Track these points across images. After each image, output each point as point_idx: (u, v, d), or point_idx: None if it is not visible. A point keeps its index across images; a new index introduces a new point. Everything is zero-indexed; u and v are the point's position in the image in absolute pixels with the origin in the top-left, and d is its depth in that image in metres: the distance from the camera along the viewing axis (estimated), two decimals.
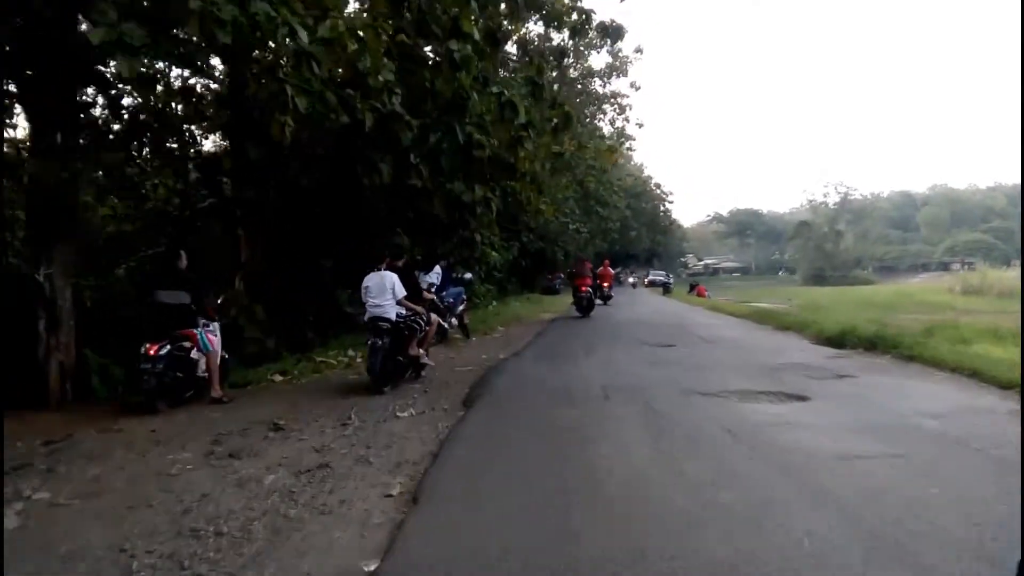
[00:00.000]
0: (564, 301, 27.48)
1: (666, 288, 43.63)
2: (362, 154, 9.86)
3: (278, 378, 8.16)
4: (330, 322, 12.48)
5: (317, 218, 13.23)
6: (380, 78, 7.78)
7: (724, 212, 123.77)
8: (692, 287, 41.41)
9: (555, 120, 12.04)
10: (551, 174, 16.07)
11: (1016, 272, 49.26)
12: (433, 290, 10.73)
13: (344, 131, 9.28)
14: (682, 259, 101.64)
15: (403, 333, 7.62)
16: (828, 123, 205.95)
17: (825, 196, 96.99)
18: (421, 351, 8.06)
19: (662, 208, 62.23)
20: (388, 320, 7.39)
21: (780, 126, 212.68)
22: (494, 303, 22.16)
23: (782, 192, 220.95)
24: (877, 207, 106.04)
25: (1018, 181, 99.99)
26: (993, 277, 43.79)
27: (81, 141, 7.91)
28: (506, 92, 10.42)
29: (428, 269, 11.38)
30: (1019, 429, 5.05)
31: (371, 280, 7.63)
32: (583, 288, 18.68)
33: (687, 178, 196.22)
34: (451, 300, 12.12)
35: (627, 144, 33.18)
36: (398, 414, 6.02)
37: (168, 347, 6.34)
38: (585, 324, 17.12)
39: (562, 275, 35.94)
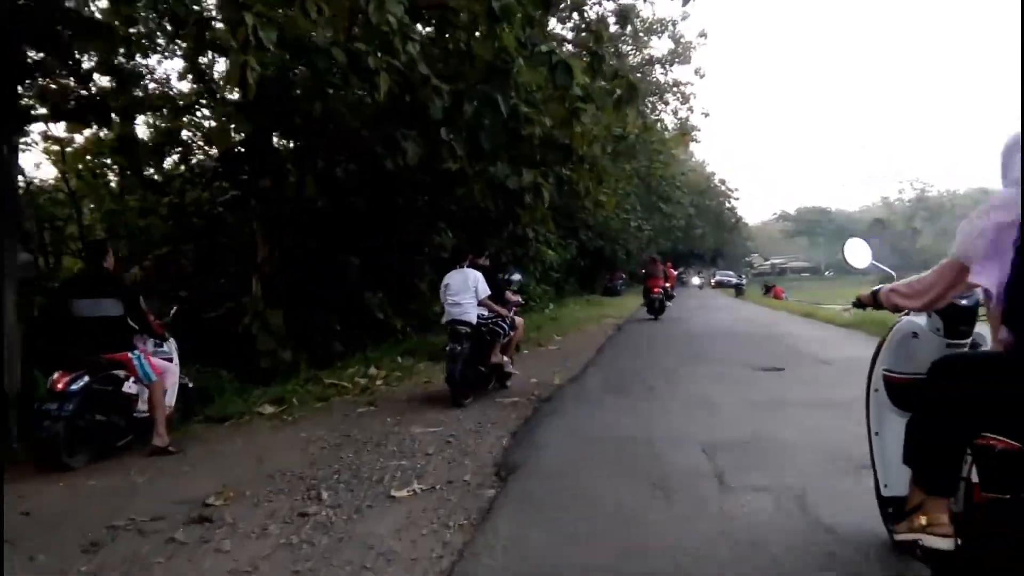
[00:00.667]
0: (627, 304, 25.32)
1: (738, 289, 40.77)
2: (380, 129, 8.03)
3: (268, 409, 6.38)
4: (359, 330, 10.75)
5: (343, 209, 11.52)
6: (391, 18, 5.87)
7: (791, 210, 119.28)
8: (767, 288, 37.65)
9: (617, 92, 9.95)
10: (612, 159, 13.91)
11: None
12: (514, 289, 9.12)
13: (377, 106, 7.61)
14: (747, 259, 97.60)
15: (485, 338, 6.95)
16: (897, 117, 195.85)
17: (900, 192, 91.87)
18: (505, 358, 7.32)
19: (727, 205, 59.11)
20: (469, 323, 6.73)
21: (846, 121, 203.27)
22: (551, 306, 20.20)
23: (850, 190, 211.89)
24: (955, 203, 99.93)
25: None
26: None
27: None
28: (557, 52, 8.43)
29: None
30: None
31: (452, 278, 7.01)
32: (655, 289, 18.32)
33: (751, 175, 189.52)
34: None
35: (694, 134, 30.64)
36: (393, 493, 3.88)
37: (85, 379, 4.57)
38: (657, 333, 15.12)
39: (624, 275, 33.65)
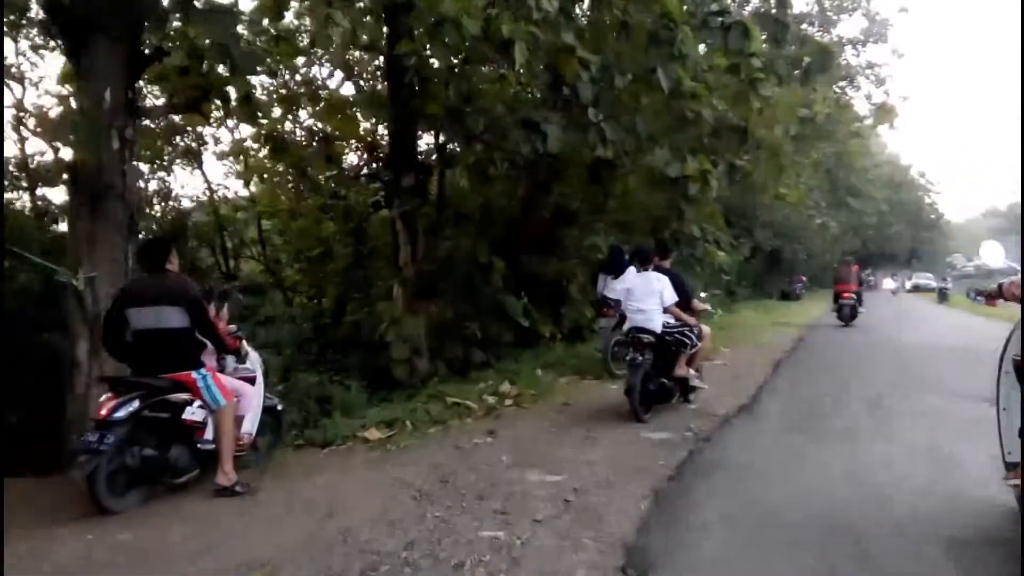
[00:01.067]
0: (807, 310, 22.70)
1: (942, 294, 35.71)
2: (518, 111, 7.05)
3: (374, 434, 5.53)
4: (503, 338, 9.95)
5: (490, 208, 10.76)
6: None
7: (1002, 206, 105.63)
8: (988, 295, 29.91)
9: (806, 60, 8.30)
10: (796, 145, 11.93)
11: None
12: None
13: None
14: (948, 259, 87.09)
15: (670, 348, 6.32)
16: None
17: None
18: (691, 371, 6.63)
19: (927, 200, 52.35)
20: (653, 332, 6.14)
21: None
22: (718, 312, 18.34)
23: None
24: None
25: None
26: None
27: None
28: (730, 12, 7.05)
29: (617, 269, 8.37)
30: None
31: (634, 281, 6.56)
32: (845, 295, 17.14)
33: (952, 168, 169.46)
34: None
35: (893, 116, 26.75)
36: None
37: (135, 404, 3.83)
38: (847, 346, 12.94)
39: (804, 278, 30.49)
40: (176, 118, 11.25)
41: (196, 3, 5.43)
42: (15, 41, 10.07)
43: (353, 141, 12.00)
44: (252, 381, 4.63)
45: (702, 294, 10.73)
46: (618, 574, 2.99)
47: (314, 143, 11.58)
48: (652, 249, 7.00)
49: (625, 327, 6.50)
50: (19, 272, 6.74)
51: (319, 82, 12.10)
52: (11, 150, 10.47)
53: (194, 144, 13.25)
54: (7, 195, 10.03)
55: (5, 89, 9.87)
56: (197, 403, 4.12)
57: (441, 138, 10.66)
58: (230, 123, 12.83)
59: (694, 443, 5.24)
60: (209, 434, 4.15)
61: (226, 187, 15.84)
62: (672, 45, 7.00)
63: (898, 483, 4.17)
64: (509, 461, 4.76)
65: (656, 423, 5.90)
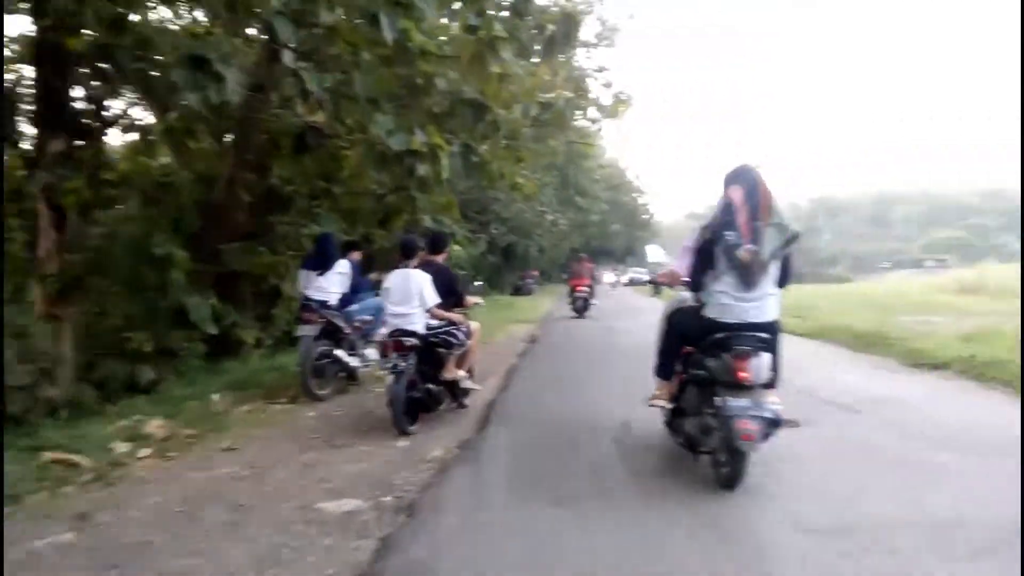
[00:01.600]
0: (540, 305, 22.98)
1: (656, 288, 38.89)
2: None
3: None
4: (193, 348, 7.82)
5: (168, 188, 8.56)
6: None
7: (699, 210, 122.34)
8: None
9: (549, 28, 7.38)
10: (535, 129, 11.17)
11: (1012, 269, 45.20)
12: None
13: None
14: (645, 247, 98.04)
15: (436, 351, 5.78)
16: (801, 119, 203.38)
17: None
18: (461, 372, 6.03)
19: (640, 201, 57.68)
20: (414, 334, 5.55)
21: (752, 121, 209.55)
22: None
23: None
24: (852, 203, 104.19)
25: (997, 185, 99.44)
26: (992, 275, 39.98)
27: None
28: None
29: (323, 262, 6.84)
30: None
31: (393, 280, 5.83)
32: (579, 288, 18.20)
33: (660, 173, 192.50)
34: (366, 316, 7.38)
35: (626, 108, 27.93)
36: None
37: None
38: (584, 345, 12.59)
39: (536, 273, 31.26)
40: None
41: None
42: None
43: None
44: None
45: (477, 283, 9.65)
46: None
47: None
48: (418, 243, 6.16)
49: (384, 330, 5.89)
50: None
51: None
52: None
53: None
54: None
55: None
56: None
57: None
58: None
59: (392, 515, 3.57)
60: None
61: None
62: None
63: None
64: None
65: (352, 455, 4.42)
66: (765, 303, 3.91)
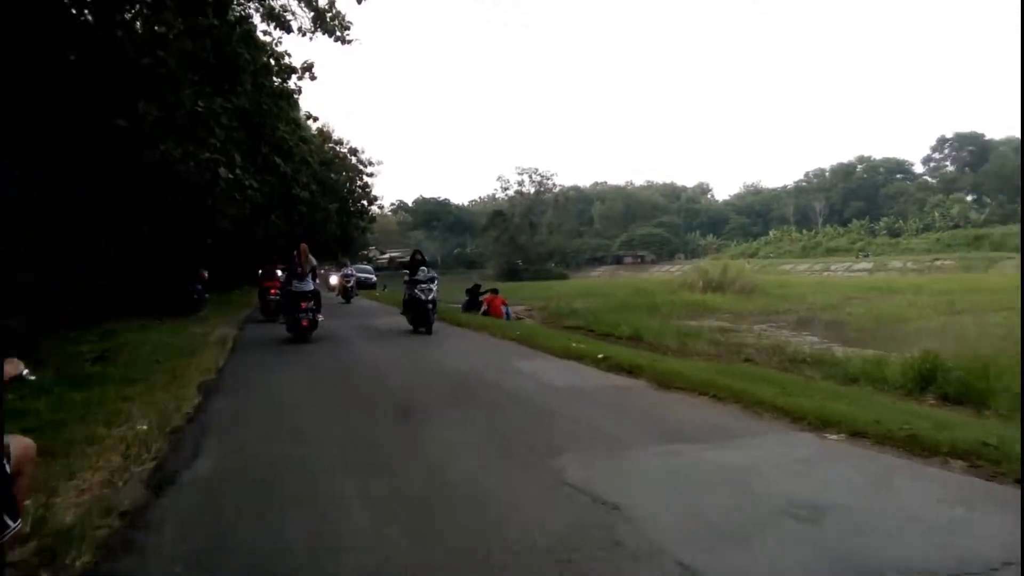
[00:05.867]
0: (208, 337, 12.55)
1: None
2: None
3: None
4: None
5: None
6: None
7: (409, 201, 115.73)
8: (476, 296, 20.20)
9: None
10: None
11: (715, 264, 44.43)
12: None
13: None
14: (364, 251, 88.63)
15: None
16: (525, 107, 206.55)
17: (520, 185, 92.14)
18: None
19: (359, 183, 47.02)
20: None
21: (470, 110, 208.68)
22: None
23: (469, 183, 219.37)
24: (559, 199, 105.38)
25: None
26: (735, 270, 37.94)
27: None
28: None
29: None
30: None
31: None
32: (273, 291, 15.80)
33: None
34: None
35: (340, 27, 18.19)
36: None
37: None
38: None
39: (205, 275, 19.57)
40: None
41: None
42: None
43: None
44: None
45: None
46: None
47: None
48: None
49: None
50: None
51: None
52: None
53: None
54: None
55: None
56: None
57: None
58: None
59: None
60: None
61: None
62: None
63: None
64: None
65: None
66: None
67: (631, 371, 8.17)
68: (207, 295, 19.08)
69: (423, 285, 13.13)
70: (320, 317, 12.29)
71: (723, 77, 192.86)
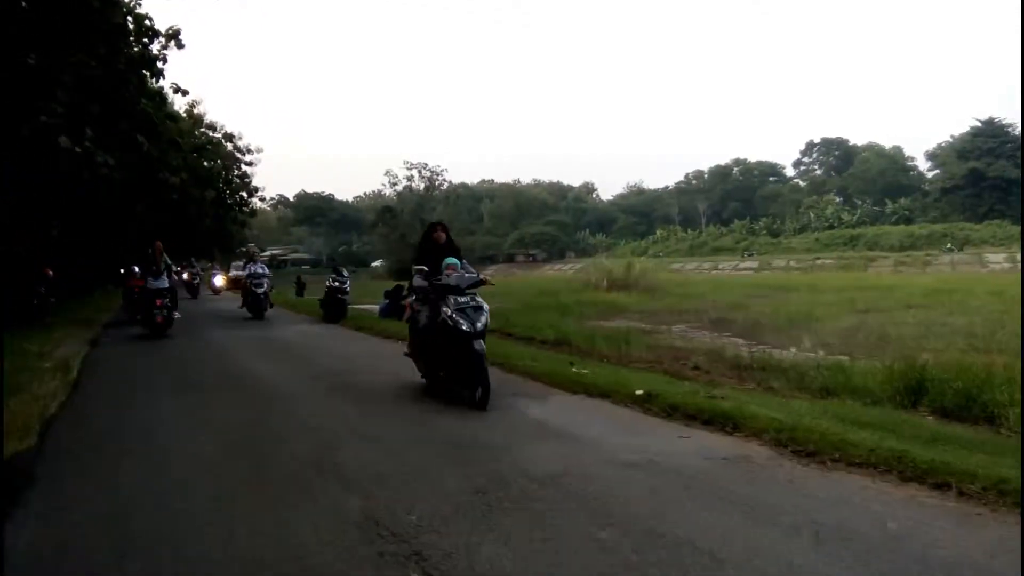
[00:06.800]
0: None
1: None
2: None
3: None
4: None
5: None
6: None
7: (290, 196, 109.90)
8: (398, 299, 16.83)
9: None
10: None
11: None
12: None
13: None
14: (242, 248, 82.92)
15: None
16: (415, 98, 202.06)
17: (410, 180, 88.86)
18: None
19: (237, 172, 41.70)
20: None
21: (355, 102, 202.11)
22: None
23: (353, 178, 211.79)
24: (451, 196, 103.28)
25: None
26: (639, 269, 37.25)
27: None
28: None
29: None
30: None
31: None
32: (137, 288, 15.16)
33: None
34: None
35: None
36: None
37: None
38: None
39: (51, 273, 16.14)
40: None
41: None
42: None
43: None
44: None
45: None
46: None
47: None
48: None
49: None
50: None
51: None
52: None
53: None
54: None
55: None
56: None
57: None
58: None
59: None
60: None
61: None
62: None
63: None
64: None
65: None
66: None
67: (709, 421, 5.81)
68: (52, 299, 15.58)
69: (461, 301, 7.20)
70: (177, 314, 13.16)
71: (603, 76, 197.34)
